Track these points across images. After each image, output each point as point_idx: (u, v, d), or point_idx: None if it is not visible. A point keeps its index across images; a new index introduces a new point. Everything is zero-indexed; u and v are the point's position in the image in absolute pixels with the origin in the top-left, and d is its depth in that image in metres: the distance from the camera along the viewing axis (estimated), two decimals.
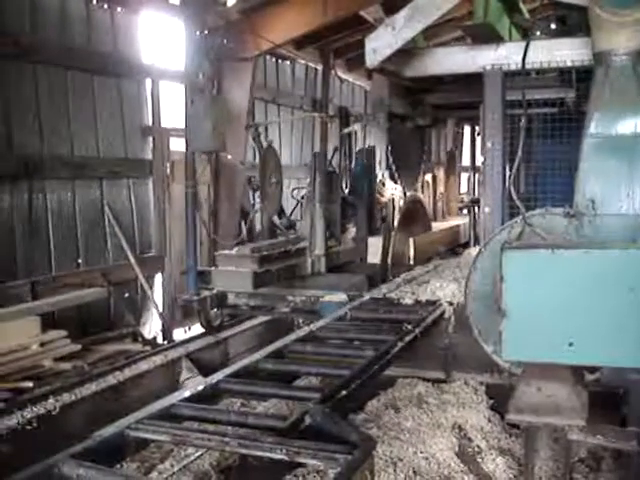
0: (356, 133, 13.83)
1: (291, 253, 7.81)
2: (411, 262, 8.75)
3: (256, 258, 7.12)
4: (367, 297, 6.45)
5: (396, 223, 9.48)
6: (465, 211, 14.55)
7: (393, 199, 11.00)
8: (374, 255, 8.96)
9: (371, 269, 8.67)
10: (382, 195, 11.07)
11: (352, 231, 9.32)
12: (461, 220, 13.71)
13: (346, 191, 10.11)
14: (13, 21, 7.44)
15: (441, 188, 15.41)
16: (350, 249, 9.16)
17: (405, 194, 10.15)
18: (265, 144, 8.56)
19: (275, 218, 9.19)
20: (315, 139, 14.08)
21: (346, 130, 13.52)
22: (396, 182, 10.05)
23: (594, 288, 3.30)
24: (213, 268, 7.50)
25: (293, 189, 9.95)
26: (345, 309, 5.85)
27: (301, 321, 7.08)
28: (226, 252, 7.61)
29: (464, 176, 17.53)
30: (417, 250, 8.91)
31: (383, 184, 12.85)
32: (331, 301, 6.64)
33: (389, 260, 8.51)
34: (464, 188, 17.52)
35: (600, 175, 4.06)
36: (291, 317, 7.34)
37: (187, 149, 7.65)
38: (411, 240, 8.89)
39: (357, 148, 12.74)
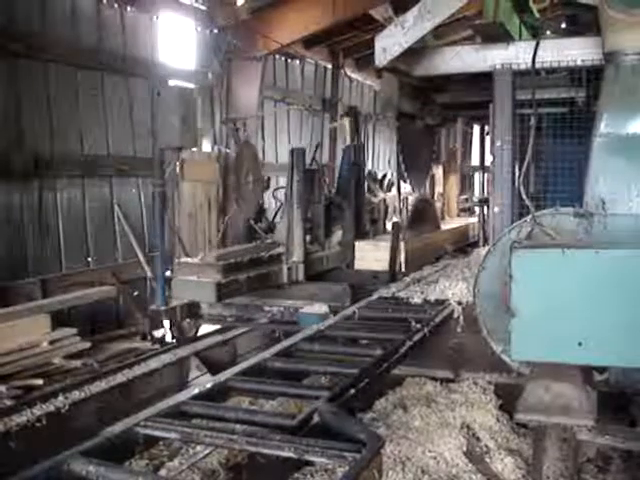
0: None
1: (264, 260, 7.00)
2: (402, 269, 7.94)
3: (220, 267, 6.38)
4: (376, 296, 6.44)
5: (405, 223, 9.38)
6: (465, 214, 14.06)
7: (384, 199, 10.29)
8: (362, 261, 8.17)
9: (357, 277, 7.93)
10: (376, 195, 10.52)
11: (339, 234, 8.47)
12: (462, 222, 12.90)
13: (333, 191, 9.21)
14: (24, 20, 7.48)
15: (439, 188, 14.99)
16: (335, 254, 8.27)
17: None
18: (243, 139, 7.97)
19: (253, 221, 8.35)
20: (325, 137, 14.10)
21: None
22: (405, 181, 9.73)
23: (603, 288, 3.29)
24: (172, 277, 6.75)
25: (275, 189, 9.11)
26: (353, 308, 5.86)
27: (281, 334, 6.50)
28: (188, 260, 6.95)
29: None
30: (409, 255, 8.07)
31: (392, 184, 12.82)
32: (311, 312, 6.22)
33: (402, 260, 7.96)
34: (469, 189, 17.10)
35: (610, 175, 4.04)
36: (271, 329, 6.82)
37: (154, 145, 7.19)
38: (402, 244, 8.05)
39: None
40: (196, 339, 7.06)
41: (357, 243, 8.23)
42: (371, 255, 8.11)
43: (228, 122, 8.52)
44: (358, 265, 8.18)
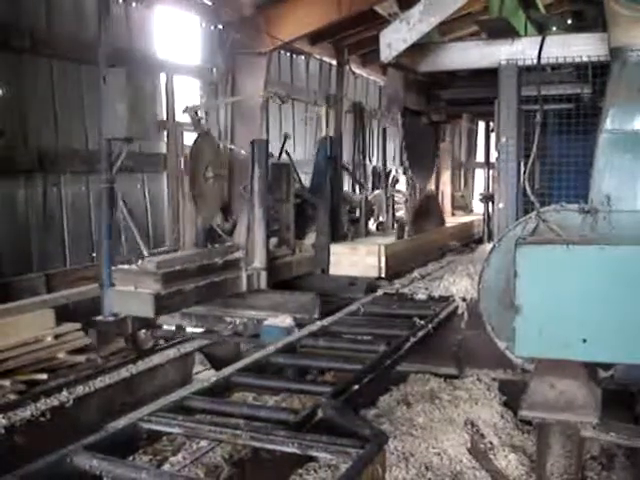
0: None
1: (217, 267, 6.19)
2: (382, 275, 7.26)
3: (160, 275, 5.60)
4: (381, 292, 6.44)
5: (410, 220, 9.30)
6: (461, 212, 13.48)
7: (366, 197, 9.51)
8: (338, 266, 7.38)
9: (332, 284, 7.17)
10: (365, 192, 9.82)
11: (312, 236, 7.71)
12: (455, 221, 12.12)
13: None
14: (29, 16, 7.48)
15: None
16: (308, 259, 7.46)
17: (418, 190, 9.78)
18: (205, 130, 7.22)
19: (218, 221, 7.81)
20: (329, 133, 14.07)
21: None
22: (410, 177, 9.45)
23: (608, 284, 3.28)
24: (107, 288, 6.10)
25: (243, 186, 8.13)
26: (358, 304, 5.85)
27: (245, 347, 6.08)
28: (125, 267, 6.10)
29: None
30: (389, 261, 7.35)
31: (397, 181, 12.78)
32: (274, 325, 5.65)
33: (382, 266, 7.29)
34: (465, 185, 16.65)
35: (615, 171, 4.03)
36: (234, 341, 6.28)
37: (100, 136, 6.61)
38: (381, 248, 7.32)
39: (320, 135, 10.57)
40: (153, 352, 6.25)
41: (332, 246, 7.52)
42: (347, 259, 7.42)
43: (189, 111, 7.69)
44: (334, 270, 7.46)
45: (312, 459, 4.29)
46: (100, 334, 6.15)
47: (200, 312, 6.22)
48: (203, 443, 4.67)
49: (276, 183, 7.19)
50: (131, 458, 3.57)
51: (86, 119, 8.21)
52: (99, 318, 5.99)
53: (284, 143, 8.54)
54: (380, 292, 6.50)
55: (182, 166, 9.25)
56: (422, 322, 5.09)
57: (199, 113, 7.76)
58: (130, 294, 5.64)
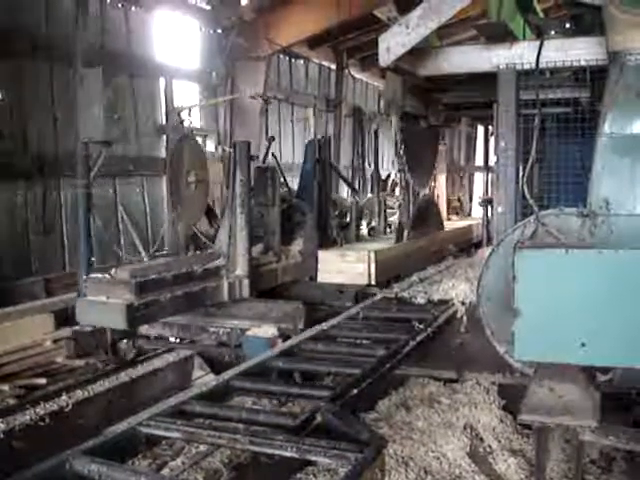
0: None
1: (196, 275, 5.84)
2: (371, 282, 6.98)
3: (133, 285, 5.24)
4: (379, 296, 6.44)
5: (409, 223, 9.25)
6: (455, 216, 13.26)
7: (357, 201, 9.23)
8: (326, 273, 7.07)
9: (319, 292, 6.83)
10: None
11: (300, 243, 7.32)
12: (449, 226, 11.65)
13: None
14: (29, 20, 7.49)
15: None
16: (294, 266, 7.04)
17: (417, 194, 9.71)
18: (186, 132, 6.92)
19: (202, 226, 7.42)
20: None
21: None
22: (404, 181, 9.23)
23: (607, 288, 3.29)
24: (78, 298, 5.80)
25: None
26: (357, 308, 5.85)
27: (228, 357, 5.77)
28: (98, 276, 5.73)
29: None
30: (379, 267, 7.04)
31: (396, 184, 12.74)
32: (256, 336, 5.38)
33: (371, 273, 7.07)
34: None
35: (614, 175, 4.04)
36: (219, 352, 5.93)
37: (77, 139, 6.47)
38: (370, 254, 7.06)
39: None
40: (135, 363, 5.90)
41: (320, 252, 7.24)
42: (336, 266, 7.14)
43: (172, 112, 7.66)
44: (322, 278, 7.16)
45: (311, 463, 4.28)
46: (77, 345, 5.83)
47: (182, 322, 5.90)
48: (203, 447, 4.67)
49: (261, 187, 6.86)
50: (130, 463, 3.57)
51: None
52: (76, 328, 5.70)
53: (269, 146, 8.24)
54: (379, 296, 6.49)
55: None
56: (421, 326, 5.08)
57: (182, 115, 7.62)
58: (102, 305, 5.24)
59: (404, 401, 5.53)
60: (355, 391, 3.72)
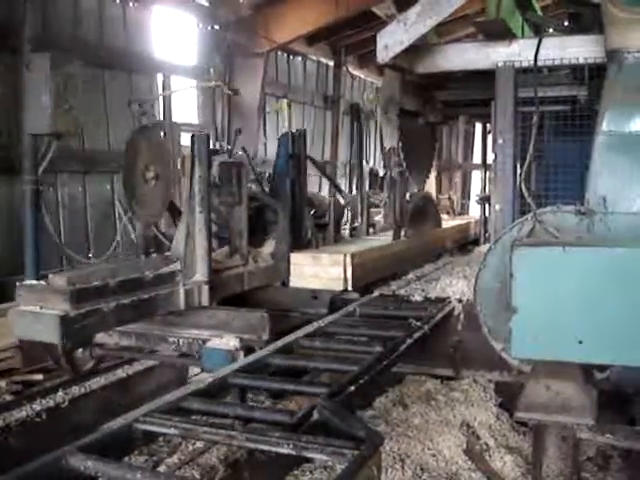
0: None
1: (146, 281, 5.17)
2: (348, 287, 6.42)
3: (70, 293, 4.52)
4: (377, 294, 6.42)
5: (407, 221, 9.18)
6: (446, 215, 12.99)
7: (337, 201, 8.60)
8: (299, 278, 6.51)
9: (291, 298, 6.32)
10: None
11: (272, 244, 6.77)
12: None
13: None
14: (26, 16, 7.47)
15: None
16: (264, 270, 6.44)
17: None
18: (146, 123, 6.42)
19: (170, 227, 6.51)
20: (326, 134, 14.10)
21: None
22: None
23: (604, 286, 3.29)
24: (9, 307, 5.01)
25: None
26: (354, 305, 5.84)
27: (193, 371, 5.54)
28: (32, 282, 5.21)
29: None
30: (356, 271, 6.45)
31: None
32: (217, 347, 4.98)
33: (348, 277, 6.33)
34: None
35: (612, 173, 4.04)
36: (181, 363, 5.63)
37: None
38: (347, 257, 6.42)
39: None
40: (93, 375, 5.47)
41: (293, 255, 6.60)
42: (309, 270, 6.55)
43: (133, 104, 7.05)
44: (294, 282, 6.56)
45: (308, 460, 4.29)
46: (24, 353, 5.43)
47: (139, 330, 5.38)
48: (199, 444, 4.67)
49: (226, 184, 6.21)
50: (126, 459, 3.56)
51: (83, 119, 8.19)
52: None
53: (235, 139, 7.72)
54: (376, 293, 6.47)
55: (179, 167, 9.27)
56: (418, 323, 5.08)
57: (144, 106, 7.12)
58: (34, 315, 4.52)
59: (401, 398, 5.55)
60: (352, 388, 3.71)
